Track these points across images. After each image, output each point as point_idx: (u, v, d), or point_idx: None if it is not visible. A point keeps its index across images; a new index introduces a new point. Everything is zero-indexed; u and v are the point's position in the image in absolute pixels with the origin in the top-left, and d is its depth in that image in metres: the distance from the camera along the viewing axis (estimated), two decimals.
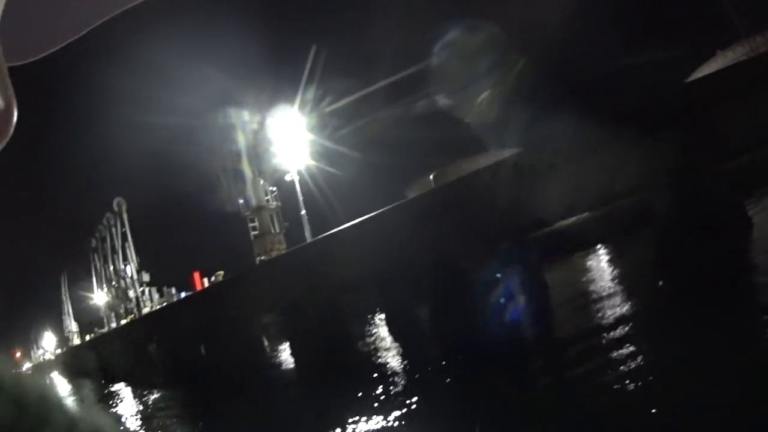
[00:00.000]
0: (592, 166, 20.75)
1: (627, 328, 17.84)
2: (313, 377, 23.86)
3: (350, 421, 16.18)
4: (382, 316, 30.09)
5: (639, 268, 25.81)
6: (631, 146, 19.99)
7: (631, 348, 15.46)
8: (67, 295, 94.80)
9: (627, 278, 25.52)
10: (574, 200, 22.88)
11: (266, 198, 35.14)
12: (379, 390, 19.21)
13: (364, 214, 25.73)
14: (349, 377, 21.65)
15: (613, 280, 26.50)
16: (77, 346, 79.03)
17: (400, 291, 27.99)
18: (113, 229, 63.17)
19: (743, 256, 18.65)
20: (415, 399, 17.56)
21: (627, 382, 12.89)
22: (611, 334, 17.66)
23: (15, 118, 0.72)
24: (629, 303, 20.81)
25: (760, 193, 26.67)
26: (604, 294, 23.77)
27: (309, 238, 31.82)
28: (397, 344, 26.39)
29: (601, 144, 20.83)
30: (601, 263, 33.03)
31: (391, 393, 18.70)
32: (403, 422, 15.27)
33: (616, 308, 20.62)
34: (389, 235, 23.47)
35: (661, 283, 21.18)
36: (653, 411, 10.87)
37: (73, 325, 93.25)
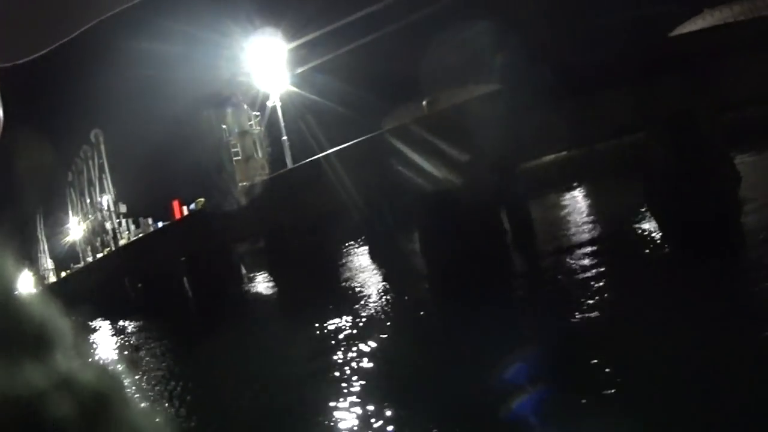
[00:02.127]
0: (581, 106, 20.19)
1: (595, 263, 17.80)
2: (298, 305, 23.24)
3: (333, 345, 15.73)
4: (367, 243, 29.53)
5: (613, 209, 25.70)
6: (622, 89, 19.46)
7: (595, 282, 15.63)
8: (43, 232, 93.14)
9: (601, 219, 25.46)
10: (560, 137, 22.42)
11: (249, 123, 33.92)
12: (363, 314, 18.76)
13: (345, 142, 24.83)
14: (336, 304, 21.16)
15: (588, 218, 26.44)
16: (53, 284, 78.05)
17: (387, 218, 27.36)
18: (90, 162, 61.59)
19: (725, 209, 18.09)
20: (397, 323, 17.18)
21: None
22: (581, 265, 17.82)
23: (1, 122, 0.67)
24: (601, 242, 20.73)
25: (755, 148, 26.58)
26: (579, 231, 23.75)
27: (290, 165, 30.80)
28: (384, 271, 25.89)
29: (590, 84, 20.21)
30: (579, 202, 32.93)
31: (374, 317, 18.24)
32: (384, 349, 14.76)
33: (588, 245, 20.54)
34: (378, 162, 22.58)
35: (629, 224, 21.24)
36: None
37: (48, 263, 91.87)
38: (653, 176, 19.78)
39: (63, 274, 78.16)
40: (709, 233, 16.09)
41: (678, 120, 18.76)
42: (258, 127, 34.14)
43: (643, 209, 21.23)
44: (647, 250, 18.09)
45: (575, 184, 37.05)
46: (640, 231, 20.39)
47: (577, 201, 33.18)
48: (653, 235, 19.14)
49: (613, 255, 18.62)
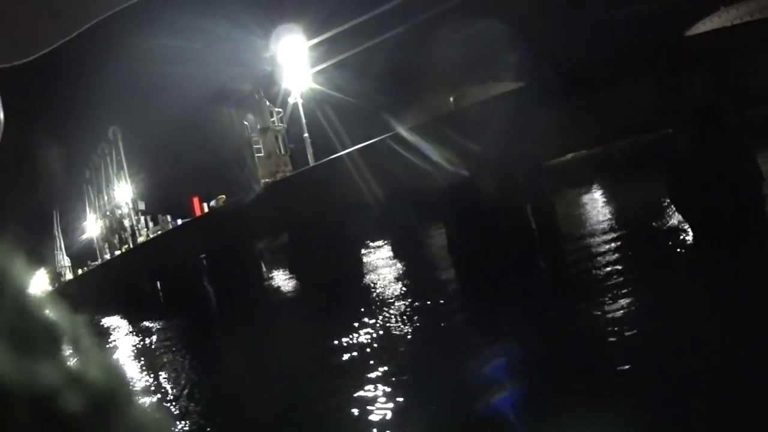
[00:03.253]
0: (605, 102, 19.88)
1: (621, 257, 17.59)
2: (321, 304, 22.92)
3: (359, 343, 15.44)
4: (390, 239, 29.20)
5: (637, 205, 25.34)
6: (646, 85, 19.10)
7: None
8: (59, 230, 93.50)
9: (625, 215, 25.24)
10: (584, 134, 22.13)
11: (271, 119, 33.71)
12: (387, 314, 18.41)
13: (367, 139, 24.60)
14: (361, 302, 20.84)
15: (613, 214, 26.18)
16: (69, 281, 78.32)
17: (409, 215, 27.02)
18: (108, 158, 61.65)
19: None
20: (421, 322, 16.86)
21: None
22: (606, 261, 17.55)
23: (2, 125, 0.68)
24: (627, 237, 20.34)
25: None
26: (605, 226, 23.53)
27: (312, 162, 30.55)
28: (409, 268, 25.52)
29: (613, 81, 19.89)
30: (605, 196, 32.66)
31: (398, 316, 17.89)
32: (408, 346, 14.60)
33: (614, 240, 20.24)
34: (401, 159, 22.25)
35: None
36: None
37: (65, 261, 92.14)
38: (677, 172, 19.39)
39: (80, 271, 78.43)
40: (732, 230, 15.77)
41: (702, 116, 18.39)
42: (280, 124, 33.95)
43: (666, 206, 20.90)
44: (670, 247, 17.72)
45: (597, 180, 36.70)
46: (663, 228, 20.08)
47: (600, 197, 32.80)
48: (677, 231, 18.80)
49: (638, 249, 18.30)
